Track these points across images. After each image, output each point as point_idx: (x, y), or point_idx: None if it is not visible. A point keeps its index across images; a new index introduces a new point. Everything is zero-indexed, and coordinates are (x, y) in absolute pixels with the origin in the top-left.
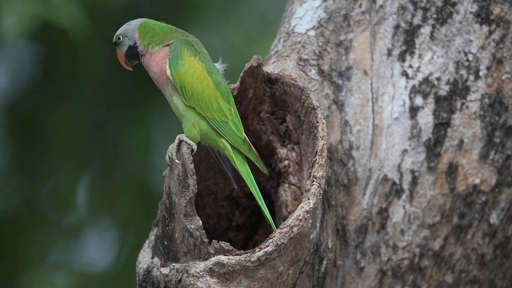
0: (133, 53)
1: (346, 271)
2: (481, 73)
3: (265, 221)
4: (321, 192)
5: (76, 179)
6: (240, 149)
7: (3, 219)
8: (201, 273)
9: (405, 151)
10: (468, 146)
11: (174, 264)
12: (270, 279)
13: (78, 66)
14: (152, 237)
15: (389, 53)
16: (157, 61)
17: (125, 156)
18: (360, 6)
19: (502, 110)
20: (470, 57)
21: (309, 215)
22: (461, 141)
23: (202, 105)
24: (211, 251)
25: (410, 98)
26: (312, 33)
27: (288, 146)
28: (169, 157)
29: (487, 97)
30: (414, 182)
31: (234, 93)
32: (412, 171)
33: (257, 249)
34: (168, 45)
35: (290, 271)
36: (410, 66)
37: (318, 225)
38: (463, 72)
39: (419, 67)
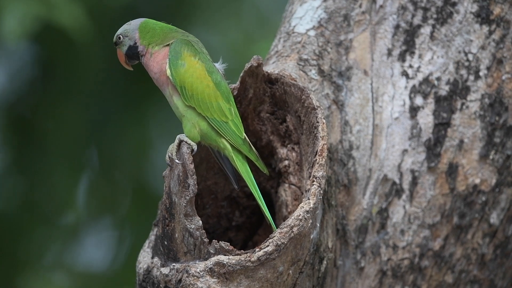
0: (133, 53)
1: (346, 271)
2: (481, 73)
3: (265, 221)
4: (321, 192)
5: (76, 179)
6: (240, 149)
7: (2, 219)
8: (201, 273)
9: (405, 151)
10: (468, 146)
11: (174, 264)
12: (270, 279)
13: (77, 66)
14: (152, 237)
15: (389, 53)
16: (157, 61)
17: (125, 156)
18: (360, 6)
19: (502, 110)
20: (470, 57)
21: (309, 215)
22: (461, 141)
23: (202, 105)
24: (211, 251)
25: (410, 98)
26: (312, 33)
27: (288, 146)
28: (169, 157)
29: (487, 97)
30: (414, 182)
31: (234, 93)
32: (412, 171)
33: (257, 249)
34: (168, 45)
35: (290, 271)
36: (410, 66)
37: (318, 225)
38: (463, 72)
39: (419, 67)
